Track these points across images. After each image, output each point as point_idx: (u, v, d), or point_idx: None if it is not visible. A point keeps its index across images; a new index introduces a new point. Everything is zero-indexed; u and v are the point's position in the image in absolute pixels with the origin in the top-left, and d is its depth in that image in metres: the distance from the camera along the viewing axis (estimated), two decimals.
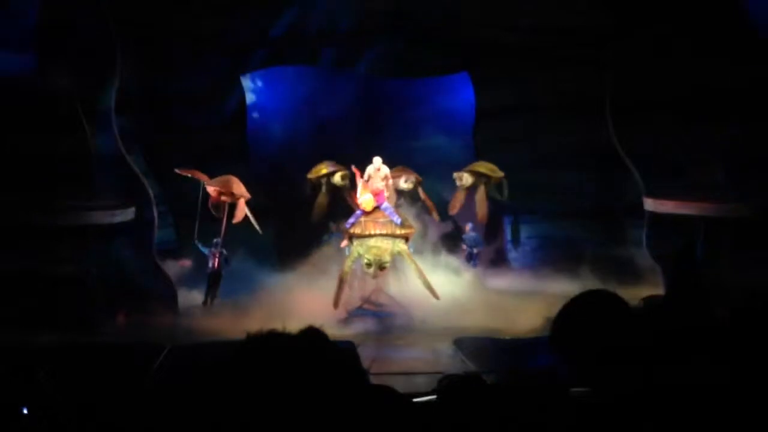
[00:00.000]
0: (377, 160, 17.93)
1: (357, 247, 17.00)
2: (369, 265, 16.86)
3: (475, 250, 20.38)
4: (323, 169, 19.68)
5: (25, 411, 4.09)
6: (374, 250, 16.80)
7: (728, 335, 3.44)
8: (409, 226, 17.62)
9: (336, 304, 16.74)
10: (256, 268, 18.81)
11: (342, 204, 19.90)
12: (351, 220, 17.43)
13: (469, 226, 20.72)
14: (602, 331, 3.04)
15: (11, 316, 14.15)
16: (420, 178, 19.96)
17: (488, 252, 22.25)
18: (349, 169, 18.78)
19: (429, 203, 20.23)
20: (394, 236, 17.02)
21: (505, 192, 20.85)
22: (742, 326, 3.71)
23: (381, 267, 16.94)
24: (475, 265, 20.21)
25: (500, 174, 20.42)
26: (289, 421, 2.14)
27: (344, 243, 17.58)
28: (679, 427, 2.78)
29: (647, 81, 17.84)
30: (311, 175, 19.82)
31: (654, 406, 2.78)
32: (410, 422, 3.09)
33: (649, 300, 12.92)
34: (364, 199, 17.39)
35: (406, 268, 17.76)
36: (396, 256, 17.54)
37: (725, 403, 2.86)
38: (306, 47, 20.59)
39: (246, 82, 21.44)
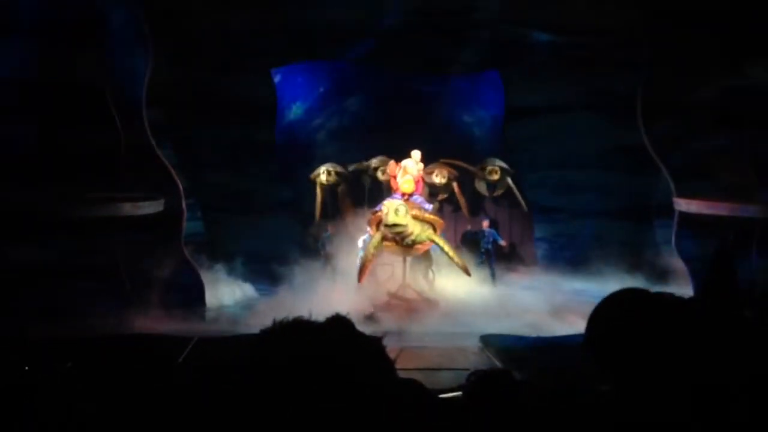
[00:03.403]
0: (416, 154, 18.36)
1: (383, 230, 16.91)
2: (393, 229, 16.60)
3: (490, 246, 20.27)
4: (372, 163, 20.07)
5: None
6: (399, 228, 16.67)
7: (757, 335, 3.41)
8: (438, 218, 17.70)
9: (360, 279, 16.94)
10: (281, 264, 18.85)
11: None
12: (380, 206, 17.56)
13: (486, 223, 20.69)
14: (637, 330, 2.96)
15: (39, 308, 14.23)
16: (456, 173, 20.07)
17: (516, 249, 22.30)
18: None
19: (461, 199, 20.35)
20: (423, 220, 16.96)
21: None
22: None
23: (404, 239, 16.79)
24: (492, 269, 20.15)
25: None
26: (315, 409, 2.14)
27: (371, 231, 17.59)
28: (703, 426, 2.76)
29: (679, 82, 17.72)
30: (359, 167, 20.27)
31: (681, 405, 2.76)
32: (440, 417, 3.08)
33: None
34: (405, 179, 17.73)
35: (435, 262, 17.93)
36: (421, 255, 17.71)
37: (750, 402, 2.84)
38: (337, 43, 20.61)
39: (276, 77, 21.49)
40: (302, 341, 2.21)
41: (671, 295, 3.07)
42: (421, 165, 18.76)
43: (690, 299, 3.32)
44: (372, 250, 16.88)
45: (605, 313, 3.03)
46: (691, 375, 2.78)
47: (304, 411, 2.13)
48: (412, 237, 16.72)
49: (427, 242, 17.22)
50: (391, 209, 16.34)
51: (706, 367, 2.82)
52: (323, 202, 20.42)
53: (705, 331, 2.95)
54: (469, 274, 17.26)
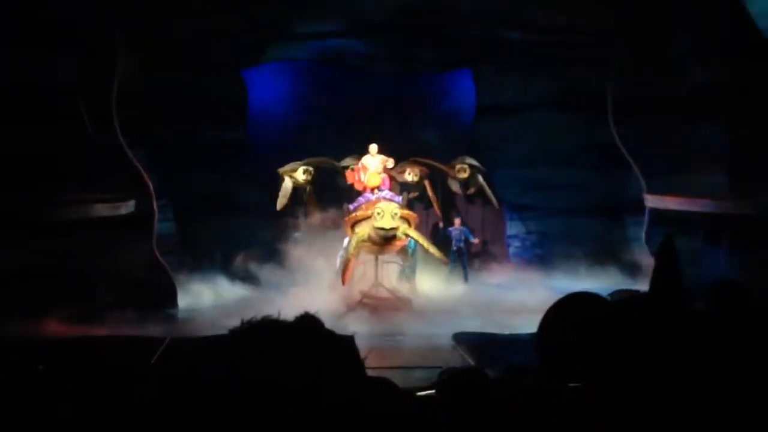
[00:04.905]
0: (373, 148, 18.49)
1: (361, 229, 16.91)
2: (389, 232, 16.63)
3: (462, 244, 20.24)
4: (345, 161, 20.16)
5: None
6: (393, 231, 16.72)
7: (705, 326, 3.50)
8: (412, 213, 17.76)
9: (343, 281, 16.83)
10: (254, 264, 18.78)
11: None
12: (353, 205, 17.59)
13: (457, 221, 20.68)
14: (581, 334, 3.11)
15: (12, 310, 14.13)
16: (427, 171, 20.13)
17: (488, 247, 22.34)
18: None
19: (433, 197, 20.39)
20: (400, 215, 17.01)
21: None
22: (718, 317, 3.80)
23: (387, 237, 16.80)
24: (464, 267, 20.17)
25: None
26: (284, 409, 2.14)
27: (347, 233, 17.61)
28: (669, 418, 2.82)
29: (650, 79, 17.83)
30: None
31: (643, 399, 2.83)
32: (409, 415, 3.09)
33: (621, 295, 12.80)
34: (369, 174, 17.81)
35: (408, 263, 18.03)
36: (397, 252, 17.77)
37: (705, 394, 2.90)
38: (307, 43, 20.57)
39: (247, 78, 21.42)
40: (270, 341, 2.21)
41: (627, 294, 3.23)
42: (382, 156, 18.76)
43: (638, 296, 3.44)
44: (353, 250, 16.86)
45: (553, 316, 3.31)
46: (633, 373, 2.88)
47: (273, 411, 2.13)
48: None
49: (404, 238, 17.24)
50: (387, 213, 16.41)
51: (647, 364, 2.91)
52: (292, 200, 20.16)
53: (644, 331, 3.04)
54: (447, 263, 17.84)
